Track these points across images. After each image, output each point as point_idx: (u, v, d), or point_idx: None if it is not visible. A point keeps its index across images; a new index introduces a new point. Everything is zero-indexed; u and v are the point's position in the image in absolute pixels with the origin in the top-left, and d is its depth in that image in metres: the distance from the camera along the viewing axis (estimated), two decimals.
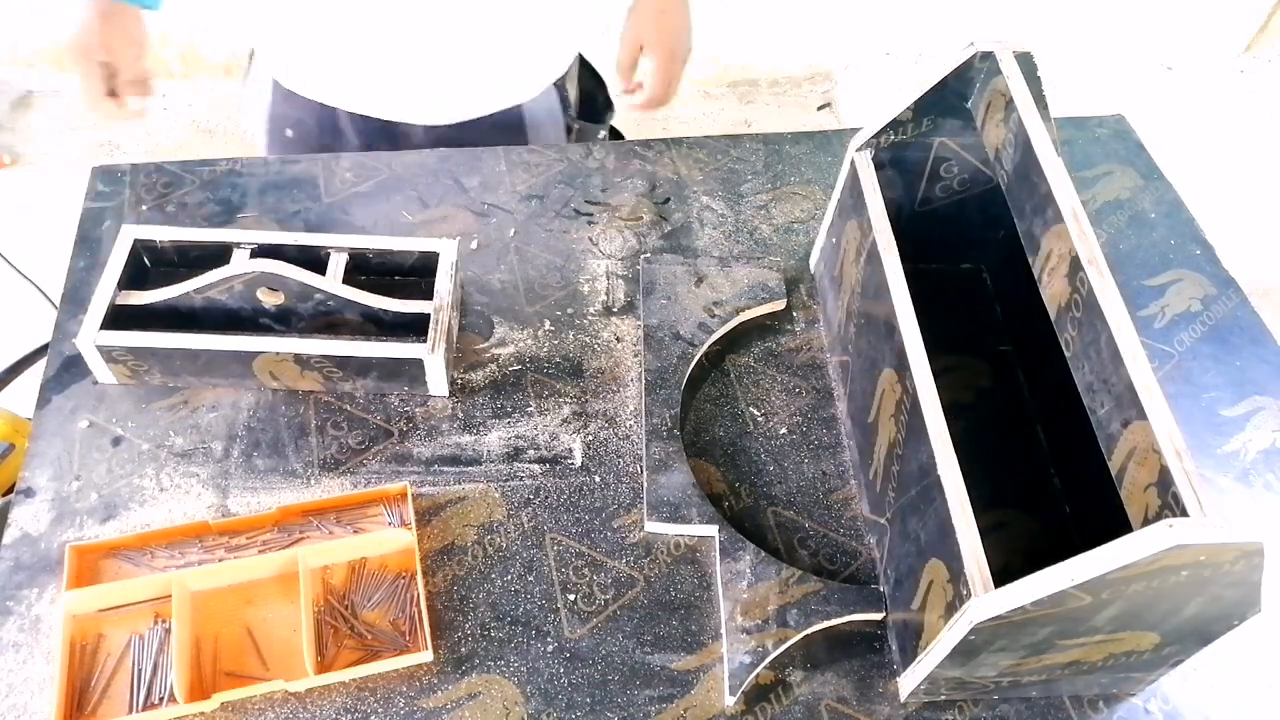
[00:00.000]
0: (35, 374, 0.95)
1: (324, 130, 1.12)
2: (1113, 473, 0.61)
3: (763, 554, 0.76)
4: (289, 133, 1.14)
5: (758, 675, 0.71)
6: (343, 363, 0.83)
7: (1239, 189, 2.31)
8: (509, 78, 1.11)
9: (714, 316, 0.92)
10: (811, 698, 0.72)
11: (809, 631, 0.73)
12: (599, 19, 1.14)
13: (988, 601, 0.58)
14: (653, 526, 0.79)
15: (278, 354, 0.83)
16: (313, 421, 0.85)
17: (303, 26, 1.04)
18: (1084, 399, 0.65)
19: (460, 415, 0.86)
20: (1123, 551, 0.53)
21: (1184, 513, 0.54)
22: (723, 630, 0.73)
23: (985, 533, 0.61)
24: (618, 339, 0.92)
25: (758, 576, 0.75)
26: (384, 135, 1.12)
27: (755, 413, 0.88)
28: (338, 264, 0.87)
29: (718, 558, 0.76)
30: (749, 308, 0.93)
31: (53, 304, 1.32)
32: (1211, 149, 2.41)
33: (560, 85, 1.17)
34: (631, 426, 0.86)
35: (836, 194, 0.90)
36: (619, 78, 1.18)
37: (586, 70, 1.25)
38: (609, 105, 1.28)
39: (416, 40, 1.02)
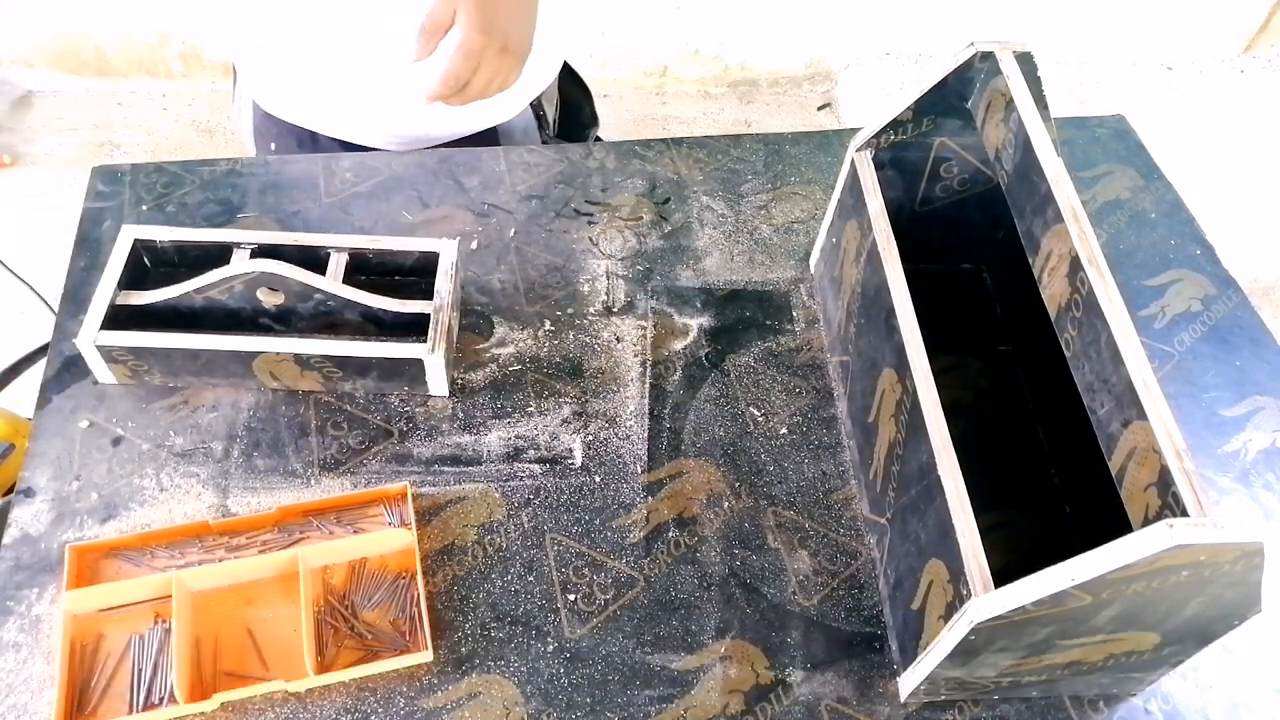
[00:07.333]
0: (35, 374, 0.95)
1: (303, 146, 1.13)
2: (1113, 473, 0.61)
3: None
4: (272, 145, 1.15)
5: (758, 674, 0.71)
6: (343, 363, 0.83)
7: (1239, 189, 2.31)
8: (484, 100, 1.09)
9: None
10: (811, 698, 0.72)
11: None
12: (583, 33, 1.09)
13: (988, 601, 0.58)
14: None
15: (278, 354, 0.83)
16: (313, 421, 0.85)
17: (276, 52, 1.04)
18: (1084, 399, 0.65)
19: (460, 415, 0.86)
20: (1123, 551, 0.53)
21: (1184, 513, 0.54)
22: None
23: (985, 533, 0.61)
24: (618, 339, 0.92)
25: None
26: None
27: (755, 413, 0.88)
28: (338, 264, 0.87)
29: None
30: None
31: (48, 305, 1.32)
32: (1211, 149, 2.41)
33: (536, 104, 1.16)
34: (631, 426, 0.86)
35: (836, 194, 0.90)
36: (417, 41, 0.86)
37: (573, 81, 1.24)
38: (595, 119, 1.26)
39: (388, 65, 1.01)
